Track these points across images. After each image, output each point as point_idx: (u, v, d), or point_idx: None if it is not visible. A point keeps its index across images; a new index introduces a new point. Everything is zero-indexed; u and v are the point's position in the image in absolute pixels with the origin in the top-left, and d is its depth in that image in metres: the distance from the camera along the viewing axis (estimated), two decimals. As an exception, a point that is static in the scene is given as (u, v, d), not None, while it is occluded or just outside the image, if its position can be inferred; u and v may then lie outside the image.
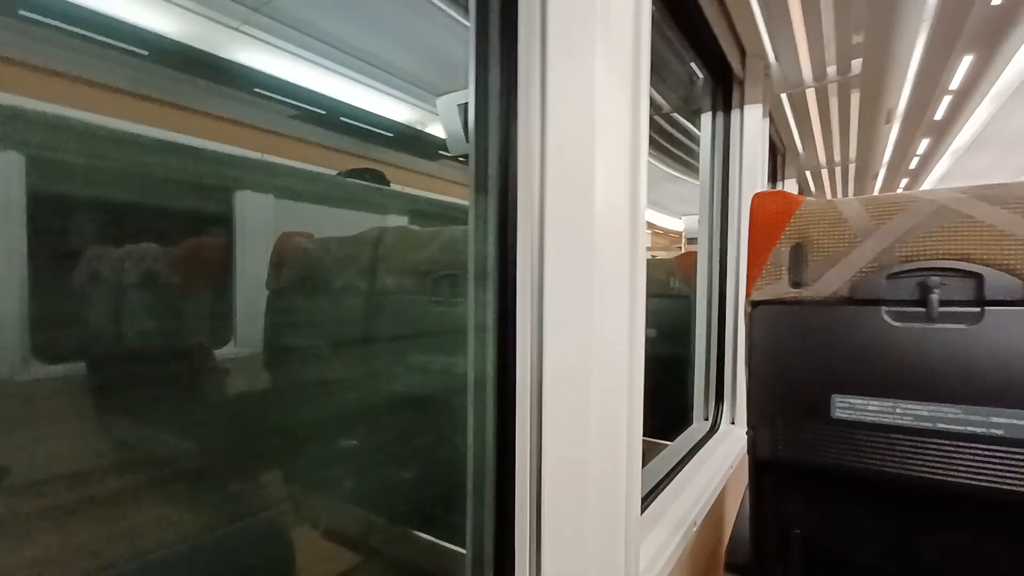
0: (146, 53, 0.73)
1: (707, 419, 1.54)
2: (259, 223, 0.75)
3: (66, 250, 0.51)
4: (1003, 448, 0.60)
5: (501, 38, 0.58)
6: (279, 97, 1.07)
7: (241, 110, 0.89)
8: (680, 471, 1.16)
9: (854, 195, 4.75)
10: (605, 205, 0.53)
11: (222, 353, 0.72)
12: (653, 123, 3.35)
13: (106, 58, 0.65)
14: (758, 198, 0.78)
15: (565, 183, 0.53)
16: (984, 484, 0.61)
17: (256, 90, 1.03)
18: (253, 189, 0.77)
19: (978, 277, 0.62)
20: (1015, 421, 0.60)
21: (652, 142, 3.90)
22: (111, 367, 0.56)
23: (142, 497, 0.56)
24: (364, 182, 1.05)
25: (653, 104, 2.30)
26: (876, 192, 6.26)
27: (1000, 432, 0.60)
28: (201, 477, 0.62)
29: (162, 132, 0.64)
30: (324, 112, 1.22)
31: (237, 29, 1.13)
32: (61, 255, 0.51)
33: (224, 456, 0.66)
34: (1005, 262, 0.61)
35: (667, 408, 1.64)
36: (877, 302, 0.67)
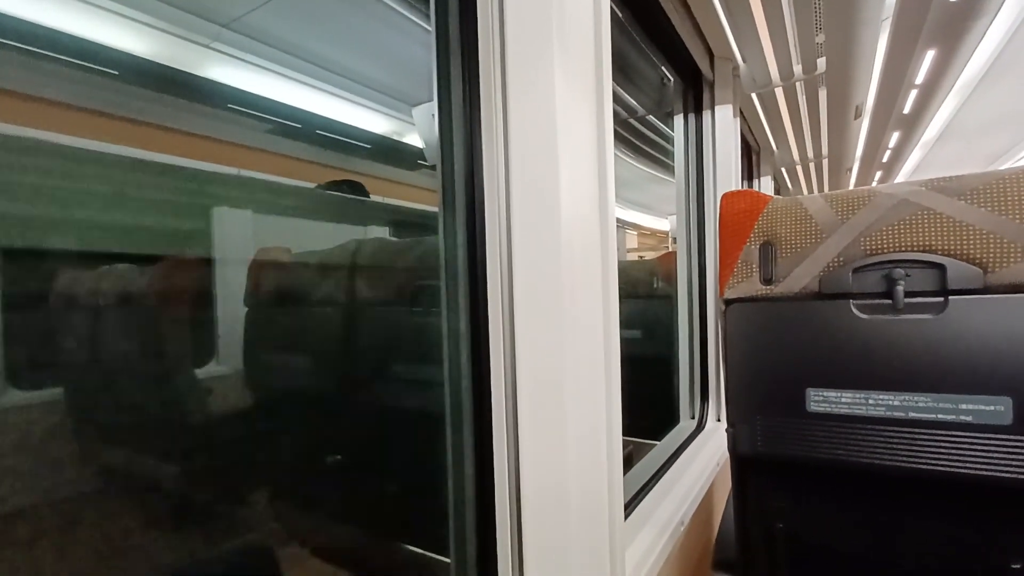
0: (116, 72, 0.73)
1: (693, 417, 1.55)
2: (238, 239, 0.75)
3: (40, 272, 0.50)
4: (972, 434, 0.62)
5: (462, 46, 0.58)
6: (253, 112, 1.06)
7: (215, 126, 0.88)
8: (667, 471, 1.17)
9: (829, 189, 4.84)
10: (571, 210, 0.53)
11: (205, 371, 0.71)
12: (635, 127, 3.39)
13: (77, 79, 0.64)
14: (726, 198, 0.79)
15: (530, 190, 0.53)
16: (957, 470, 0.62)
17: (230, 106, 1.03)
18: (231, 205, 0.76)
19: (940, 268, 0.64)
20: (982, 407, 0.61)
21: (635, 145, 3.95)
22: (91, 390, 0.55)
23: (127, 521, 0.55)
24: (344, 194, 1.05)
25: (629, 108, 2.33)
26: (851, 185, 6.39)
27: (969, 418, 0.62)
28: (186, 498, 0.62)
29: (137, 151, 0.64)
30: (300, 126, 1.21)
31: (207, 46, 1.12)
32: (36, 278, 0.50)
33: (210, 473, 0.66)
34: (965, 252, 0.63)
35: (655, 408, 1.65)
36: (845, 296, 0.69)
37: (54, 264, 0.51)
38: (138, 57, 0.81)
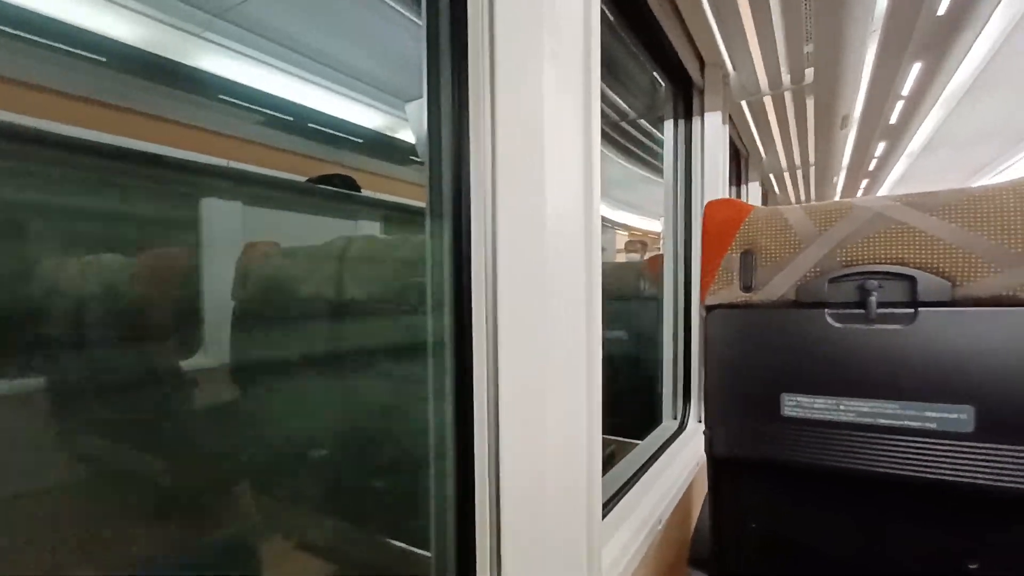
0: (104, 59, 0.72)
1: (675, 418, 1.57)
2: (227, 231, 0.75)
3: (23, 259, 0.50)
4: (935, 440, 0.64)
5: (451, 44, 0.58)
6: (244, 103, 1.06)
7: (206, 116, 0.88)
8: (647, 471, 1.19)
9: (816, 196, 4.92)
10: (556, 209, 0.53)
11: (190, 363, 0.71)
12: (627, 130, 3.41)
13: (63, 65, 0.64)
14: (710, 207, 0.81)
15: (515, 188, 0.54)
16: (920, 474, 0.65)
17: (221, 96, 1.02)
18: (219, 196, 0.76)
19: (911, 280, 0.66)
20: (946, 415, 0.64)
21: (626, 148, 3.97)
22: (75, 381, 0.55)
23: (104, 513, 0.55)
24: (334, 188, 1.05)
25: (620, 111, 2.35)
26: (838, 193, 6.48)
27: (933, 425, 0.64)
28: (172, 492, 0.62)
29: (123, 140, 0.63)
30: (291, 118, 1.21)
31: (199, 36, 1.11)
32: (16, 264, 0.50)
33: (194, 469, 0.66)
34: (935, 265, 0.65)
35: (639, 408, 1.67)
36: (821, 305, 0.71)
37: (35, 253, 0.51)
38: (127, 45, 0.80)
